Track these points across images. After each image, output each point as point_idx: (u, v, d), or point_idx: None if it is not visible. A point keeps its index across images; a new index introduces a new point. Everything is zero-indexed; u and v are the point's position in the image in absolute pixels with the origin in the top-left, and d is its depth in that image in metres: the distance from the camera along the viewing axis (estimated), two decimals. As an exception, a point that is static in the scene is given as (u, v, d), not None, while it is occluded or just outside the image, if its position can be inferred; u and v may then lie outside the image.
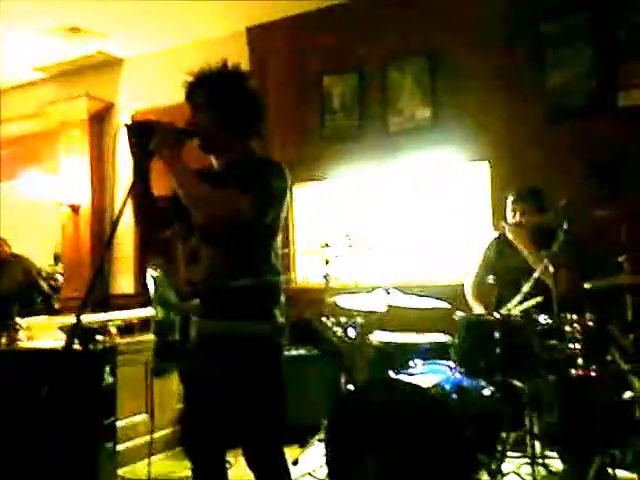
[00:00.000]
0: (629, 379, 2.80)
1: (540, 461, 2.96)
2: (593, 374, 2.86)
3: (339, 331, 3.84)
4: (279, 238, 2.26)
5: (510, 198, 3.65)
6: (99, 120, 6.22)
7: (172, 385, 3.95)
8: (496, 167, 4.43)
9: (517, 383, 3.05)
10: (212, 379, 2.16)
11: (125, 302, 5.33)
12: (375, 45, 4.85)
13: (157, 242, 2.55)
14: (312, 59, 5.14)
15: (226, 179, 2.19)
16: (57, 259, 6.56)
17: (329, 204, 5.07)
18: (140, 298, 5.25)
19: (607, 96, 4.05)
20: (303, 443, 3.74)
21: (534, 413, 2.98)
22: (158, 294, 2.27)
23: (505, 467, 2.96)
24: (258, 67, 5.16)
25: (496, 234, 3.84)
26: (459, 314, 3.19)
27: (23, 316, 4.01)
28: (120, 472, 3.60)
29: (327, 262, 4.03)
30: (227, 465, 2.34)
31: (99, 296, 5.32)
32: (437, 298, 3.59)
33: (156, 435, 3.88)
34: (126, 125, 2.21)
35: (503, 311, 3.13)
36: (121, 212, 1.99)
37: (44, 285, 5.74)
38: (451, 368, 3.08)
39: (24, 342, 3.82)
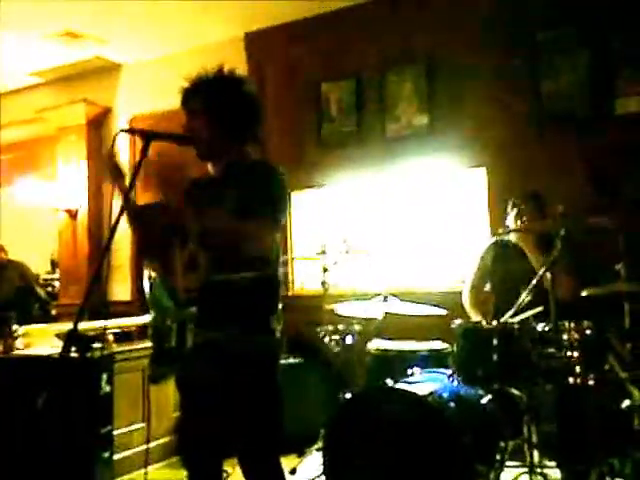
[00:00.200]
0: (627, 388, 2.80)
1: (538, 470, 2.94)
2: (591, 383, 2.84)
3: (329, 340, 3.83)
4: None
5: (512, 203, 3.63)
6: (97, 125, 6.23)
7: (169, 394, 3.93)
8: (493, 174, 4.43)
9: (515, 391, 3.04)
10: (208, 387, 2.16)
11: (122, 309, 5.32)
12: (373, 52, 4.87)
13: (154, 249, 2.54)
14: (310, 65, 5.15)
15: (223, 185, 2.19)
16: (54, 265, 6.54)
17: (327, 210, 5.07)
18: (137, 305, 5.25)
19: (604, 104, 4.06)
20: (301, 452, 3.73)
21: (532, 422, 2.96)
22: (154, 300, 2.25)
23: (503, 476, 2.95)
24: (256, 73, 5.16)
25: (493, 239, 3.84)
26: (457, 322, 3.18)
27: (20, 323, 3.99)
28: (117, 481, 3.59)
29: (325, 269, 4.03)
30: (224, 475, 2.33)
31: (96, 303, 5.28)
32: (435, 305, 3.59)
33: (153, 444, 3.87)
34: (122, 130, 2.21)
35: (502, 319, 3.12)
36: (118, 218, 1.98)
37: (41, 291, 5.73)
38: (449, 376, 3.07)
39: (21, 349, 3.80)
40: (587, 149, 4.05)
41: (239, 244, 2.09)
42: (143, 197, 5.79)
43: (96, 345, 3.47)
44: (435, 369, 3.21)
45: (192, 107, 2.23)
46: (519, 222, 3.54)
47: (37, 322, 4.78)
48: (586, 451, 2.72)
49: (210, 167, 2.31)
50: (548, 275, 3.01)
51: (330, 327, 3.93)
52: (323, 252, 4.00)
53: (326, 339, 3.87)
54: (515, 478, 3.09)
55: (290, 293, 4.98)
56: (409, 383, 2.97)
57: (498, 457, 2.87)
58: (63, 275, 6.20)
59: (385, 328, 3.76)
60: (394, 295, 3.63)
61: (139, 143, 2.07)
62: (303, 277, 5.07)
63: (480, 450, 2.80)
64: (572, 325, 2.92)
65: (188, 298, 2.14)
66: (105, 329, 3.70)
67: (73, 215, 6.10)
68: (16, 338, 3.81)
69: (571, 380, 2.89)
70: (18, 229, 6.35)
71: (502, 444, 2.92)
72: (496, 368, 2.94)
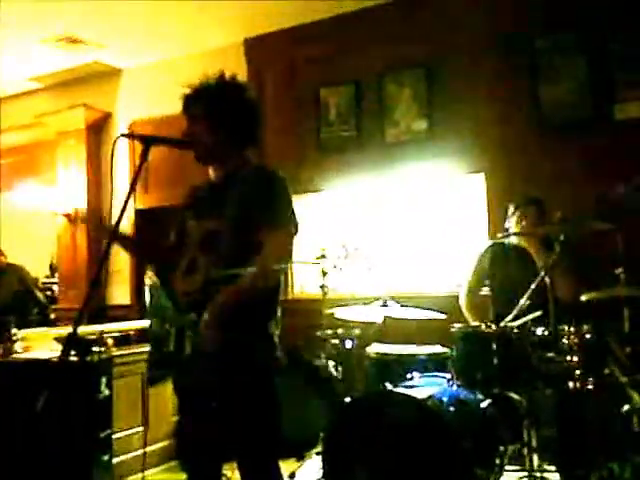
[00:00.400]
0: (627, 392, 2.80)
1: (538, 474, 2.94)
2: (591, 387, 2.85)
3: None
4: None
5: (513, 206, 3.63)
6: (96, 130, 6.24)
7: (168, 397, 3.93)
8: (492, 179, 4.44)
9: (514, 396, 3.04)
10: (206, 391, 2.15)
11: (121, 313, 5.32)
12: (372, 57, 4.88)
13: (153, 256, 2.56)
14: (309, 70, 5.16)
15: (225, 190, 2.19)
16: (53, 269, 6.54)
17: (326, 215, 5.08)
18: (136, 309, 5.25)
19: (603, 109, 4.08)
20: (300, 456, 3.72)
21: (532, 426, 2.96)
22: (154, 304, 2.26)
23: (503, 480, 2.95)
24: (255, 78, 5.18)
25: (490, 242, 3.84)
26: (456, 326, 3.18)
27: (19, 327, 3.99)
28: (115, 485, 3.58)
29: (324, 273, 4.03)
30: (223, 479, 2.32)
31: (95, 307, 5.30)
32: (434, 310, 3.59)
33: (152, 448, 3.86)
34: (122, 135, 2.21)
35: (502, 323, 3.12)
36: (118, 223, 1.99)
37: (40, 295, 5.72)
38: (448, 380, 3.07)
39: (20, 353, 3.80)
40: (586, 154, 4.06)
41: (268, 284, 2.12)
42: (143, 199, 5.84)
43: (95, 349, 3.47)
44: (435, 373, 3.21)
45: (193, 112, 2.25)
46: (520, 225, 3.54)
47: (36, 326, 4.78)
48: (586, 455, 2.73)
49: (211, 172, 2.31)
50: (547, 280, 3.02)
51: (329, 331, 3.93)
52: (322, 256, 4.00)
53: (316, 349, 3.86)
54: (515, 482, 3.08)
55: (289, 297, 4.98)
56: (408, 387, 2.97)
57: (497, 461, 2.87)
58: (62, 279, 6.20)
59: (384, 332, 3.76)
60: (393, 299, 3.63)
61: (139, 148, 2.08)
62: (302, 281, 5.07)
63: (480, 454, 2.80)
64: (572, 329, 2.92)
65: (187, 302, 2.14)
66: (104, 333, 3.70)
67: (72, 219, 6.10)
68: (15, 342, 3.81)
69: (571, 384, 2.89)
70: (17, 233, 6.35)
71: (502, 448, 2.92)
72: (496, 372, 2.94)
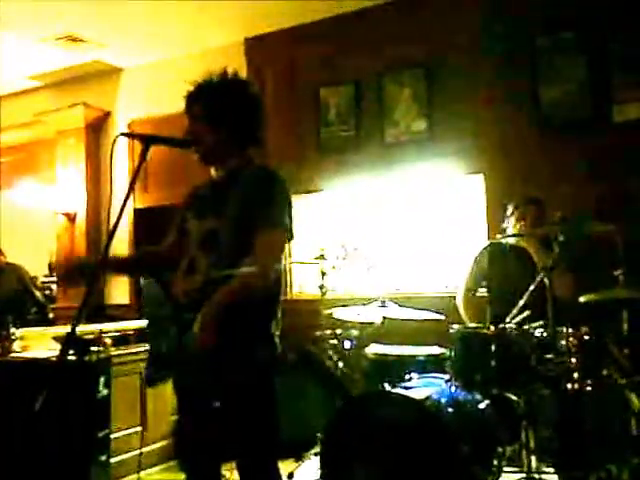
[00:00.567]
0: (625, 394, 2.80)
1: (536, 476, 2.93)
2: (589, 388, 2.84)
3: (327, 347, 3.82)
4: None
5: (512, 206, 3.62)
6: (96, 129, 6.24)
7: (166, 397, 3.92)
8: (491, 179, 4.44)
9: (513, 397, 3.03)
10: (206, 391, 2.15)
11: (120, 312, 5.32)
12: (372, 57, 4.88)
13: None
14: (309, 70, 5.17)
15: (227, 189, 2.19)
16: (52, 268, 6.53)
17: (325, 215, 5.07)
18: (135, 308, 5.25)
19: (603, 110, 4.07)
20: (299, 457, 3.72)
21: (530, 427, 2.96)
22: (154, 303, 2.25)
23: (501, 481, 2.95)
24: (255, 77, 5.17)
25: (488, 242, 3.84)
26: (455, 327, 3.18)
27: (17, 326, 3.99)
28: (113, 485, 3.58)
29: (323, 273, 4.03)
30: (222, 478, 2.32)
31: (94, 306, 5.30)
32: (433, 310, 3.59)
33: (150, 448, 3.86)
34: (122, 134, 2.21)
35: (501, 325, 3.12)
36: (117, 222, 1.98)
37: (39, 295, 5.72)
38: (447, 381, 3.07)
39: (18, 352, 3.79)
40: (586, 154, 4.06)
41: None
42: (142, 198, 5.84)
43: (94, 348, 3.46)
44: (433, 374, 3.21)
45: (195, 111, 2.24)
46: (519, 225, 3.53)
47: (35, 325, 4.78)
48: (584, 457, 2.72)
49: (213, 171, 2.31)
50: (546, 280, 3.01)
51: (328, 332, 3.93)
52: (321, 257, 4.00)
53: (325, 350, 3.86)
54: (513, 484, 3.08)
55: (288, 297, 4.98)
56: (407, 388, 2.97)
57: (496, 462, 2.87)
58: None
59: (383, 333, 3.76)
60: (392, 300, 3.63)
61: (138, 147, 2.08)
62: (301, 281, 5.07)
63: (478, 455, 2.80)
64: (570, 331, 2.92)
65: (187, 301, 2.14)
66: (103, 332, 3.70)
67: (71, 218, 6.10)
68: (13, 341, 3.80)
69: (569, 386, 2.89)
70: (16, 232, 6.34)
71: (500, 449, 2.91)
72: (494, 373, 2.93)
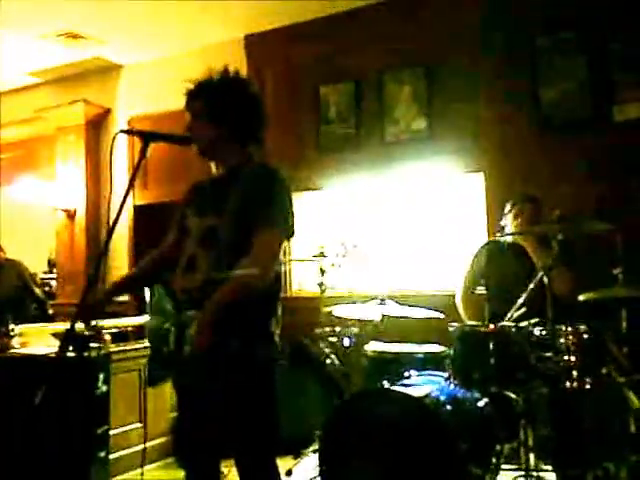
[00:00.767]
0: (624, 392, 2.80)
1: (534, 474, 2.94)
2: (588, 387, 2.85)
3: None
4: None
5: (509, 204, 3.63)
6: (96, 126, 6.23)
7: (166, 394, 3.93)
8: (491, 178, 4.44)
9: (511, 395, 3.04)
10: (205, 389, 2.15)
11: (119, 309, 5.31)
12: (372, 55, 4.88)
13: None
14: (309, 68, 5.16)
15: (228, 185, 2.19)
16: (51, 265, 6.53)
17: (325, 213, 5.08)
18: (134, 305, 5.24)
19: (603, 109, 4.07)
20: (297, 454, 3.73)
21: (528, 425, 2.97)
22: (154, 302, 2.25)
23: None
24: (255, 75, 5.16)
25: (486, 240, 3.84)
26: (454, 325, 3.18)
27: (17, 322, 3.99)
28: (113, 481, 3.59)
29: (322, 271, 4.03)
30: (221, 475, 2.32)
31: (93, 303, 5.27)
32: (432, 308, 3.59)
33: (149, 444, 3.85)
34: (121, 131, 2.21)
35: (499, 322, 3.12)
36: (117, 219, 1.98)
37: (38, 291, 5.71)
38: (446, 379, 3.08)
39: (17, 349, 3.80)
40: (586, 154, 4.06)
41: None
42: (142, 195, 5.84)
43: (93, 345, 3.46)
44: (432, 372, 3.21)
45: (195, 108, 2.24)
46: (516, 223, 3.54)
47: (34, 321, 4.78)
48: (582, 455, 2.73)
49: (213, 168, 2.31)
50: (545, 279, 3.02)
51: (327, 329, 3.94)
52: (321, 254, 4.00)
53: (323, 345, 3.87)
54: (511, 481, 3.09)
55: (287, 295, 4.98)
56: (406, 385, 2.97)
57: (494, 460, 2.87)
58: (60, 275, 6.20)
59: (382, 331, 3.76)
60: (391, 298, 3.63)
61: (138, 144, 2.08)
62: (301, 279, 5.07)
63: (476, 453, 2.81)
64: (569, 329, 2.92)
65: (187, 299, 2.13)
66: (102, 329, 3.70)
67: (71, 215, 6.10)
68: (12, 337, 3.80)
69: (568, 384, 2.89)
70: (16, 228, 6.34)
71: (498, 447, 2.92)
72: (493, 371, 2.94)
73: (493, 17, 4.44)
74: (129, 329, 4.03)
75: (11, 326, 3.85)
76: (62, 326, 3.97)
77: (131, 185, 2.10)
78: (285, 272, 4.98)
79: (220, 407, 2.13)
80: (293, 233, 2.20)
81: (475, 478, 2.75)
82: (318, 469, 2.89)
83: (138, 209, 5.89)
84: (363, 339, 3.74)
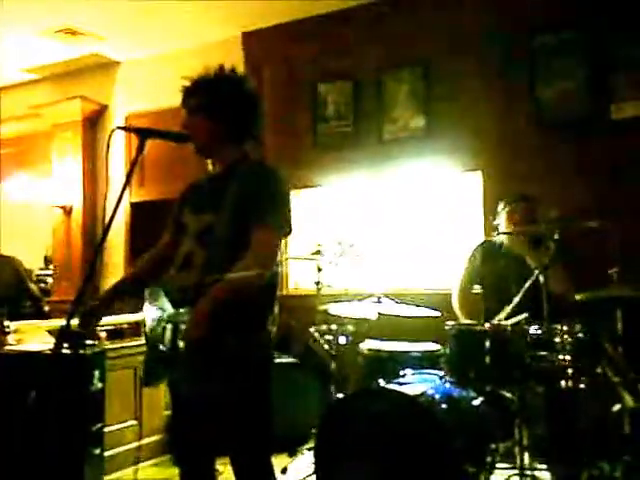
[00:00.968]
0: (619, 392, 2.81)
1: (529, 473, 2.95)
2: (583, 386, 2.86)
3: (323, 341, 3.82)
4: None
5: (503, 204, 3.63)
6: (93, 122, 6.22)
7: (160, 392, 3.92)
8: (489, 177, 4.44)
9: (507, 394, 3.04)
10: (200, 387, 2.14)
11: (115, 306, 5.29)
12: (370, 53, 4.87)
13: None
14: (307, 66, 5.16)
15: (225, 183, 2.18)
16: (47, 261, 6.52)
17: (322, 211, 5.07)
18: (130, 302, 5.22)
19: (601, 108, 4.08)
20: (292, 452, 3.73)
21: (523, 424, 2.97)
22: (151, 301, 2.25)
23: (493, 478, 2.96)
24: (253, 73, 5.15)
25: (482, 240, 3.85)
26: (450, 324, 3.19)
27: (12, 319, 3.97)
28: (107, 479, 3.57)
29: (319, 269, 4.03)
30: (216, 473, 2.32)
31: (89, 299, 5.26)
32: (429, 307, 3.59)
33: (144, 442, 3.85)
34: (118, 128, 2.20)
35: (494, 321, 3.13)
36: (113, 216, 1.98)
37: (34, 288, 5.70)
38: (441, 377, 3.08)
39: (12, 345, 3.79)
40: (584, 153, 4.06)
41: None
42: (138, 192, 5.83)
43: (88, 342, 3.45)
44: (427, 370, 3.21)
45: (192, 105, 2.24)
46: (509, 222, 3.54)
47: (29, 318, 4.76)
48: (577, 454, 2.73)
49: (210, 166, 2.31)
50: (541, 278, 3.02)
51: (323, 327, 3.93)
52: (318, 252, 4.00)
53: (318, 338, 3.87)
54: (506, 480, 3.09)
55: (284, 293, 4.98)
56: (401, 384, 2.98)
57: (489, 459, 2.88)
58: (56, 271, 6.19)
59: (378, 329, 3.76)
60: (388, 296, 3.63)
61: (135, 141, 2.07)
62: (297, 277, 5.07)
63: (471, 451, 2.81)
64: (565, 328, 2.93)
65: (183, 297, 2.13)
66: (97, 326, 3.68)
67: (68, 211, 6.08)
68: (8, 334, 3.79)
69: (563, 383, 2.90)
70: (12, 225, 6.33)
71: (493, 446, 2.93)
72: (488, 370, 2.95)
73: (491, 16, 4.44)
74: (125, 326, 4.02)
75: (6, 322, 3.84)
76: (58, 323, 3.95)
77: (128, 182, 2.10)
78: (281, 270, 4.97)
79: (215, 405, 2.12)
80: (290, 231, 2.19)
81: (470, 476, 2.76)
82: (313, 467, 2.89)
83: (135, 206, 5.89)
84: (359, 337, 3.74)
